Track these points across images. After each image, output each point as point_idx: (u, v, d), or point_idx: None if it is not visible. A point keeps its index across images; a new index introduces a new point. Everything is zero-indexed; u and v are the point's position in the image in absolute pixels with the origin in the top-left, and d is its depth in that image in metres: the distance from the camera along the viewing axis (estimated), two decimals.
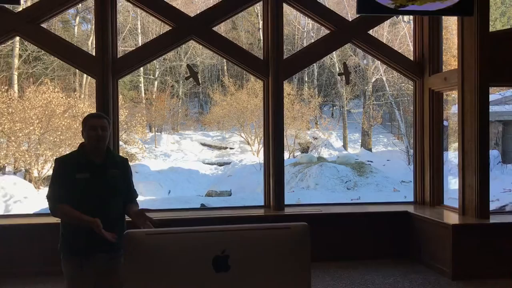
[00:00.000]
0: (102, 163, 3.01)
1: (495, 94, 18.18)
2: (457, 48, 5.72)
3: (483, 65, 5.30)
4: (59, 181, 2.96)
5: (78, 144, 3.10)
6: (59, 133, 15.83)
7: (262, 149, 6.47)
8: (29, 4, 19.71)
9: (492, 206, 7.41)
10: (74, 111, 17.18)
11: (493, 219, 5.34)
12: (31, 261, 5.22)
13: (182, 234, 1.72)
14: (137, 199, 3.26)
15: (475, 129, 5.35)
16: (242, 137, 24.07)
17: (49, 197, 2.98)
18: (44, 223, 5.36)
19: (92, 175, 2.94)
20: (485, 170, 5.35)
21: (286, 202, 6.15)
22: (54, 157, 14.99)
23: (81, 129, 3.08)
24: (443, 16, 6.40)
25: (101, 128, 2.98)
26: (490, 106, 5.48)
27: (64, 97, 17.34)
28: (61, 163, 3.01)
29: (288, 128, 21.19)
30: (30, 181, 15.36)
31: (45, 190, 14.95)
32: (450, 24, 19.71)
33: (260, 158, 19.18)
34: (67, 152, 3.33)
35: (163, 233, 1.73)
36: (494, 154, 17.18)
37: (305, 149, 22.97)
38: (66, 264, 2.97)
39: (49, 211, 3.01)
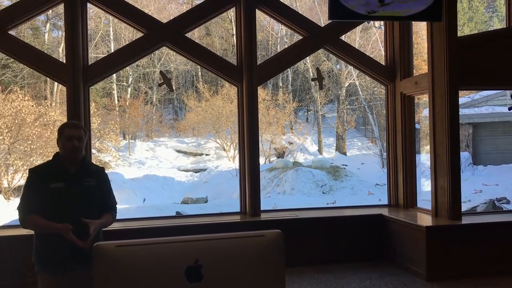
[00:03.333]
0: (76, 173, 2.97)
1: (464, 97, 18.63)
2: (427, 53, 5.83)
3: (452, 69, 5.41)
4: (31, 192, 2.90)
5: (51, 153, 3.05)
6: (30, 142, 15.46)
7: (238, 155, 6.45)
8: None
9: (464, 207, 7.56)
10: (45, 119, 16.81)
11: (465, 220, 5.44)
12: (2, 275, 5.06)
13: (153, 245, 1.68)
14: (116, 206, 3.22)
15: (446, 132, 5.45)
16: (218, 143, 23.99)
17: (20, 208, 2.91)
18: (14, 235, 5.21)
19: (67, 184, 2.89)
20: (456, 172, 5.45)
21: (262, 208, 6.14)
22: (25, 167, 14.74)
23: (53, 137, 3.04)
24: (413, 22, 6.53)
25: (77, 139, 2.95)
26: (460, 109, 5.60)
27: (34, 105, 16.94)
28: (34, 173, 2.96)
29: (264, 133, 21.22)
30: None
31: (15, 201, 14.59)
32: (420, 29, 20.14)
33: (236, 164, 19.14)
34: (40, 162, 3.27)
35: (134, 245, 1.69)
36: (465, 156, 17.56)
37: (280, 154, 23.04)
38: (41, 278, 2.91)
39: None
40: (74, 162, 2.98)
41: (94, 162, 3.64)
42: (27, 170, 3.02)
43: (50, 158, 3.07)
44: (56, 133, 3.05)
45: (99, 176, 3.09)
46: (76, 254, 2.82)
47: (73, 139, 2.93)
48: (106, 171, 3.30)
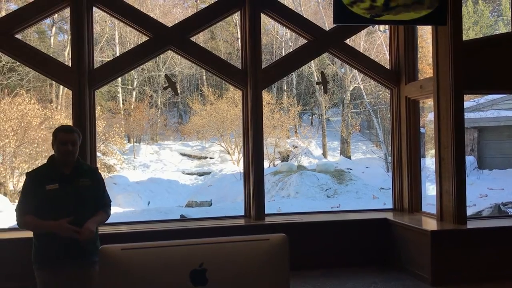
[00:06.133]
0: (70, 174, 3.08)
1: (469, 101, 18.55)
2: (432, 57, 5.82)
3: (457, 73, 5.39)
4: (28, 194, 3.03)
5: (49, 156, 3.17)
6: (35, 145, 15.52)
7: (242, 158, 6.45)
8: (3, 14, 19.41)
9: (469, 211, 7.52)
10: (51, 122, 16.88)
11: (470, 225, 5.42)
12: (7, 277, 5.08)
13: (158, 249, 1.69)
14: (111, 208, 3.32)
15: (451, 136, 5.43)
16: (222, 146, 24.01)
17: (17, 209, 3.06)
18: (20, 237, 5.23)
19: (61, 185, 3.01)
20: (461, 176, 5.43)
21: (266, 211, 6.13)
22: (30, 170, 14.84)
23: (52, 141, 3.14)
24: (417, 26, 6.52)
25: (71, 143, 3.05)
26: (465, 113, 5.58)
27: (40, 109, 17.03)
28: (31, 176, 3.09)
29: (268, 137, 21.22)
30: (5, 194, 15.01)
31: None
32: (425, 33, 20.11)
33: (240, 168, 19.13)
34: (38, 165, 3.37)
35: (139, 248, 1.70)
36: (470, 160, 17.49)
37: (285, 158, 23.01)
38: (39, 274, 3.04)
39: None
40: (68, 164, 3.09)
41: (87, 163, 3.73)
42: (25, 174, 3.18)
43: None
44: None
45: (93, 176, 3.20)
46: (71, 251, 2.98)
47: (67, 143, 3.04)
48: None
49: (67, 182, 3.03)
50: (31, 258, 3.09)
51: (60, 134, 3.07)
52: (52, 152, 3.16)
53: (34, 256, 3.08)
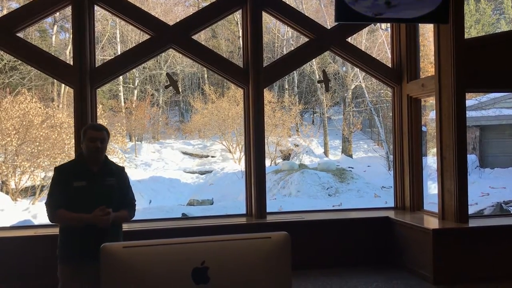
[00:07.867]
0: (98, 172, 3.17)
1: (471, 99, 18.53)
2: (433, 55, 5.81)
3: (459, 71, 5.39)
4: (57, 189, 3.12)
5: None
6: (37, 143, 15.51)
7: (244, 157, 6.45)
8: (5, 12, 19.42)
9: (471, 210, 7.52)
10: (53, 121, 16.88)
11: (472, 223, 5.41)
12: (8, 277, 5.08)
13: (160, 246, 1.69)
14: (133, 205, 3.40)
15: (453, 135, 5.42)
16: (224, 145, 24.01)
17: (48, 204, 3.14)
18: (22, 236, 5.23)
19: (89, 183, 3.10)
20: (463, 174, 5.42)
21: (268, 210, 6.13)
22: (32, 169, 14.82)
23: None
24: (419, 24, 6.50)
25: (100, 140, 3.15)
26: (467, 112, 5.57)
27: (42, 107, 17.01)
28: (59, 171, 3.18)
29: (270, 135, 21.21)
30: (7, 193, 15.02)
31: (22, 202, 14.68)
32: (427, 31, 20.07)
33: (242, 166, 19.14)
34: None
35: (140, 246, 1.70)
36: (471, 158, 17.46)
37: (286, 156, 23.01)
38: (62, 269, 3.16)
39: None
40: (97, 162, 3.18)
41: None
42: (53, 168, 3.26)
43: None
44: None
45: (119, 175, 3.28)
46: (93, 249, 3.04)
47: (96, 140, 3.13)
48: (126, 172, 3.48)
49: (94, 181, 3.12)
50: (56, 252, 3.20)
51: (90, 132, 3.17)
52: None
53: (58, 250, 3.19)
